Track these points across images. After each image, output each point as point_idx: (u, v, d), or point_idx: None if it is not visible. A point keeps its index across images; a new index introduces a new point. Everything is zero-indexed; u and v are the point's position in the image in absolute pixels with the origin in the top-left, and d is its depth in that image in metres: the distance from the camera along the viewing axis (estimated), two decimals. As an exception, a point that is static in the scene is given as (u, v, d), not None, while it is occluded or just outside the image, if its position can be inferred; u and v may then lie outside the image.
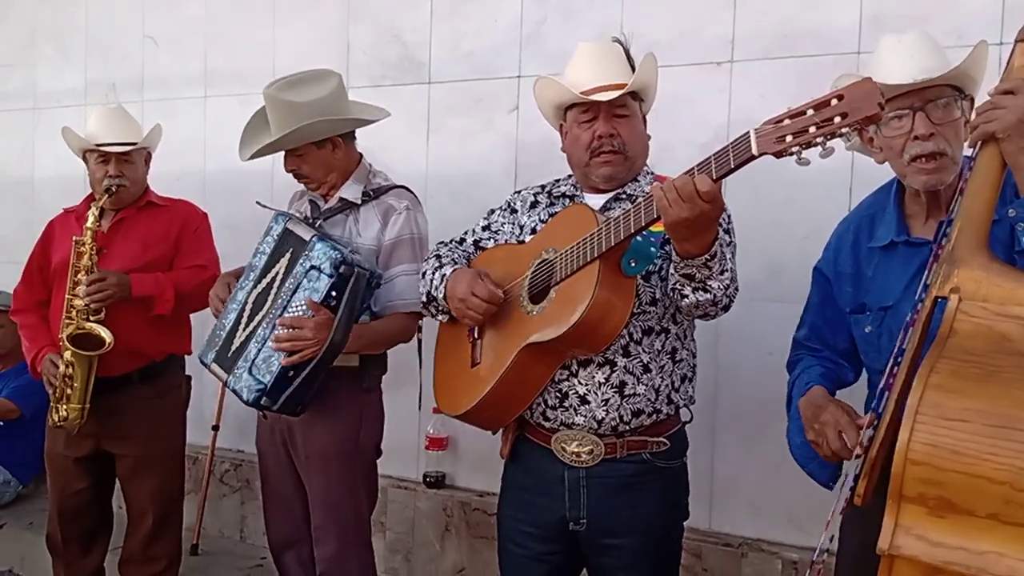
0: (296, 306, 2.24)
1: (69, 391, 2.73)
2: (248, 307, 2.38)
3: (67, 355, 2.71)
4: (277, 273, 2.33)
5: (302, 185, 2.59)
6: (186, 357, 3.04)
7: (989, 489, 1.17)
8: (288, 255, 2.31)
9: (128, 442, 2.86)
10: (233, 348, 2.37)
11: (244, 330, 2.36)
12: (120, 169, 2.86)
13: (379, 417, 2.55)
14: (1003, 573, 1.16)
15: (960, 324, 1.32)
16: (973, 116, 1.52)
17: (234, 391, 2.33)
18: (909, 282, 1.69)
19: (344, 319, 2.20)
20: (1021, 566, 1.15)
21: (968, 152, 1.69)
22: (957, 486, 1.19)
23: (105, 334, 2.71)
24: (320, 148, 2.43)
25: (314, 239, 2.24)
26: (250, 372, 2.27)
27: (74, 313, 2.72)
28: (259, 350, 2.27)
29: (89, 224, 2.76)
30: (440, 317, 2.14)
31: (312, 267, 2.20)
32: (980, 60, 1.68)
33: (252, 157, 2.48)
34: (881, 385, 1.49)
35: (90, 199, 2.93)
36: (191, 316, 3.05)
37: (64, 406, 2.75)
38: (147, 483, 2.89)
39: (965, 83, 1.70)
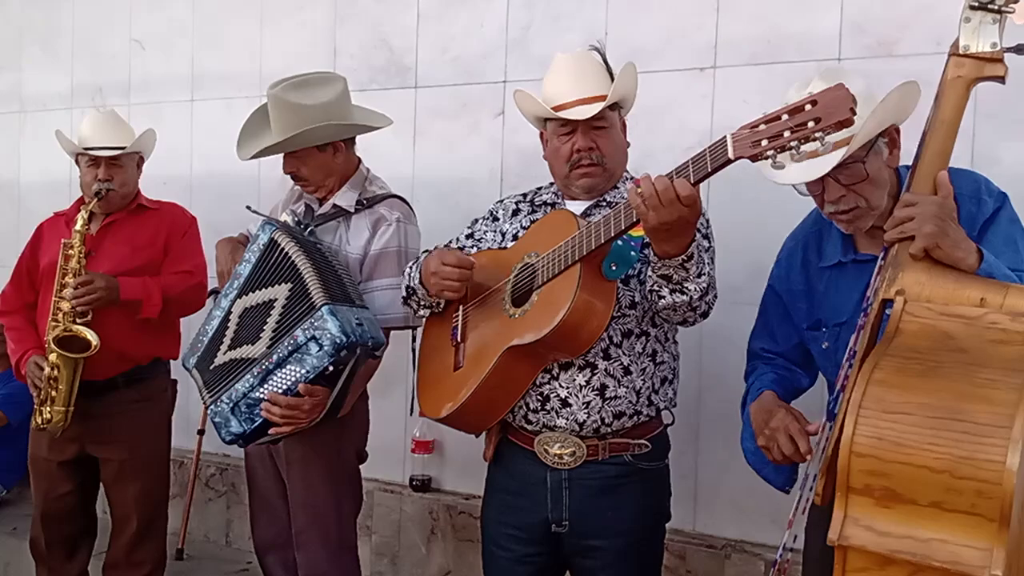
0: (291, 369, 2.17)
1: (54, 393, 2.72)
2: (233, 319, 2.34)
3: (52, 357, 2.70)
4: (272, 303, 2.24)
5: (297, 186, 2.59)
6: (172, 362, 3.03)
7: (930, 478, 1.21)
8: (287, 288, 2.22)
9: (112, 446, 2.85)
10: (215, 363, 2.34)
11: (228, 349, 2.32)
12: (110, 173, 2.85)
13: (363, 423, 2.55)
14: (947, 559, 1.20)
15: (906, 324, 1.38)
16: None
17: (213, 422, 2.32)
18: (860, 298, 1.71)
19: (339, 393, 2.20)
20: (963, 551, 1.19)
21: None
22: (900, 476, 1.23)
23: (91, 337, 2.70)
24: (322, 151, 2.41)
25: (324, 309, 2.10)
26: (232, 412, 2.26)
27: (60, 315, 2.72)
28: (245, 394, 2.23)
29: (78, 227, 2.76)
30: (422, 312, 2.15)
31: (313, 338, 2.12)
32: (900, 104, 1.66)
33: (253, 157, 2.46)
34: (836, 387, 1.52)
35: (80, 203, 2.92)
36: (180, 321, 3.05)
37: (48, 408, 2.74)
38: (131, 488, 2.88)
39: (885, 128, 1.68)
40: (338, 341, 2.08)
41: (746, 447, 1.87)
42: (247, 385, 2.23)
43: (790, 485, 1.81)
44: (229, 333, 2.35)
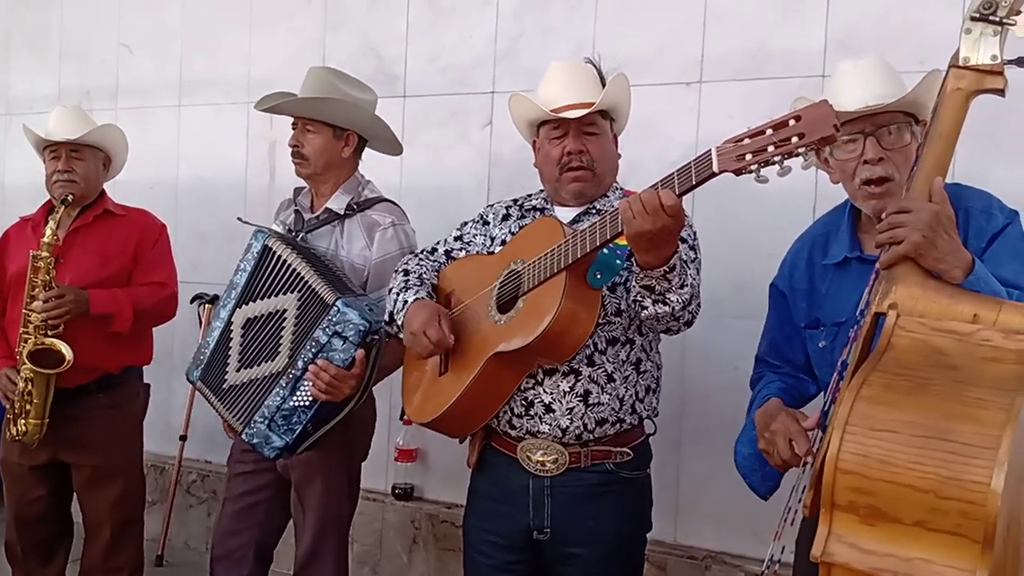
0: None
1: (29, 407, 2.68)
2: (236, 330, 2.34)
3: (26, 371, 2.65)
4: (282, 314, 2.26)
5: (283, 195, 2.58)
6: (144, 367, 2.98)
7: (914, 497, 1.20)
8: (294, 298, 2.24)
9: (84, 452, 2.80)
10: (229, 382, 2.35)
11: (243, 367, 2.32)
12: (70, 165, 2.79)
13: (371, 417, 2.54)
14: None
15: (898, 339, 1.36)
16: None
17: (252, 443, 2.32)
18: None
19: (368, 377, 2.24)
20: (946, 572, 1.18)
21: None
22: (885, 494, 1.22)
23: (65, 350, 2.64)
24: (336, 138, 2.43)
25: (338, 303, 2.16)
26: (270, 428, 2.27)
27: (31, 328, 2.66)
28: (278, 407, 2.25)
29: (46, 239, 2.66)
30: (403, 334, 2.14)
31: (336, 333, 2.16)
32: (932, 88, 1.70)
33: (269, 109, 2.49)
34: (828, 394, 1.53)
35: (47, 207, 2.88)
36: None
37: (23, 421, 2.70)
38: (104, 493, 2.83)
39: (917, 110, 1.74)
40: (362, 328, 2.15)
41: (739, 451, 1.87)
42: (279, 398, 2.25)
43: (771, 493, 1.82)
44: (235, 346, 2.34)
